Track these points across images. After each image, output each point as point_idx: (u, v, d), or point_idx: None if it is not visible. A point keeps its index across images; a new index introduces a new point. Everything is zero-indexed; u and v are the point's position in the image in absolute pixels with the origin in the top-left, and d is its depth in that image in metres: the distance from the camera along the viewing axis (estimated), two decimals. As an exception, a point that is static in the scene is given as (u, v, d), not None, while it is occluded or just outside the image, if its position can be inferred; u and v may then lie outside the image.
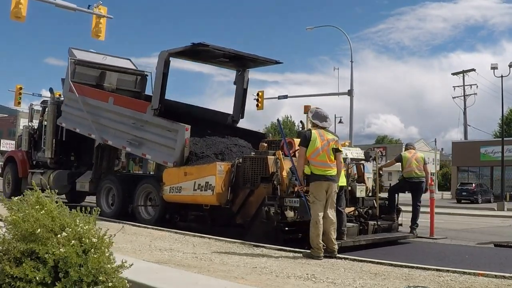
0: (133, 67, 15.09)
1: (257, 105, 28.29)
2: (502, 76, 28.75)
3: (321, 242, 6.61)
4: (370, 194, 9.61)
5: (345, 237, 8.08)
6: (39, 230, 3.05)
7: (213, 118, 12.15)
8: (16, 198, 3.35)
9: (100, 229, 3.31)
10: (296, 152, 8.79)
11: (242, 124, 12.77)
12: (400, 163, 10.25)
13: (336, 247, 6.78)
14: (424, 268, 5.94)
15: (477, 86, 44.34)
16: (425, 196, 10.48)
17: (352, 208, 9.19)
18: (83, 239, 3.09)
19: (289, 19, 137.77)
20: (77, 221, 3.19)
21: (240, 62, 11.83)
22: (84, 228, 3.16)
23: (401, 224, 9.84)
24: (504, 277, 5.45)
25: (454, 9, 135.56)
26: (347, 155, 8.97)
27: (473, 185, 34.70)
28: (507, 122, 50.48)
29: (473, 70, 44.60)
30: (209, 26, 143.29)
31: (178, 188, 9.68)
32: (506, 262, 7.60)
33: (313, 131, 6.90)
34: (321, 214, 6.64)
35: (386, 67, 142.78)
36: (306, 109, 10.71)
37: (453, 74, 45.93)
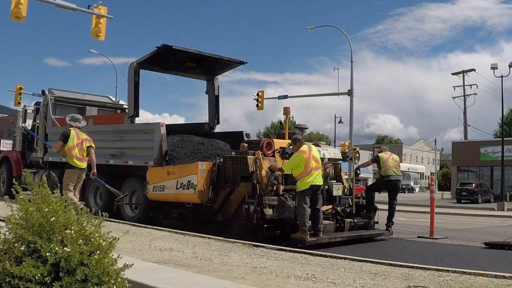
0: (112, 102, 15.96)
1: (257, 105, 28.29)
2: (502, 76, 28.78)
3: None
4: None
5: (321, 234, 8.36)
6: (53, 218, 3.05)
7: (191, 129, 12.65)
8: (23, 194, 3.35)
9: (109, 232, 3.32)
10: (275, 152, 9.20)
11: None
12: (377, 164, 10.63)
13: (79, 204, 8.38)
14: (424, 268, 5.95)
15: (477, 86, 44.44)
16: (425, 196, 10.62)
17: (329, 206, 9.49)
18: (92, 240, 3.08)
19: (288, 19, 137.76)
20: (84, 221, 3.19)
21: (207, 68, 12.38)
22: (92, 228, 3.16)
23: (377, 222, 10.10)
24: (504, 277, 5.46)
25: (452, 9, 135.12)
26: (324, 155, 9.19)
27: (473, 185, 34.66)
28: (507, 122, 50.48)
29: (473, 70, 44.64)
30: (208, 25, 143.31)
31: (161, 187, 9.94)
32: (506, 262, 7.60)
33: (71, 130, 8.90)
34: (72, 193, 8.66)
35: (385, 67, 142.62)
36: (286, 110, 10.94)
37: (453, 74, 46.00)
